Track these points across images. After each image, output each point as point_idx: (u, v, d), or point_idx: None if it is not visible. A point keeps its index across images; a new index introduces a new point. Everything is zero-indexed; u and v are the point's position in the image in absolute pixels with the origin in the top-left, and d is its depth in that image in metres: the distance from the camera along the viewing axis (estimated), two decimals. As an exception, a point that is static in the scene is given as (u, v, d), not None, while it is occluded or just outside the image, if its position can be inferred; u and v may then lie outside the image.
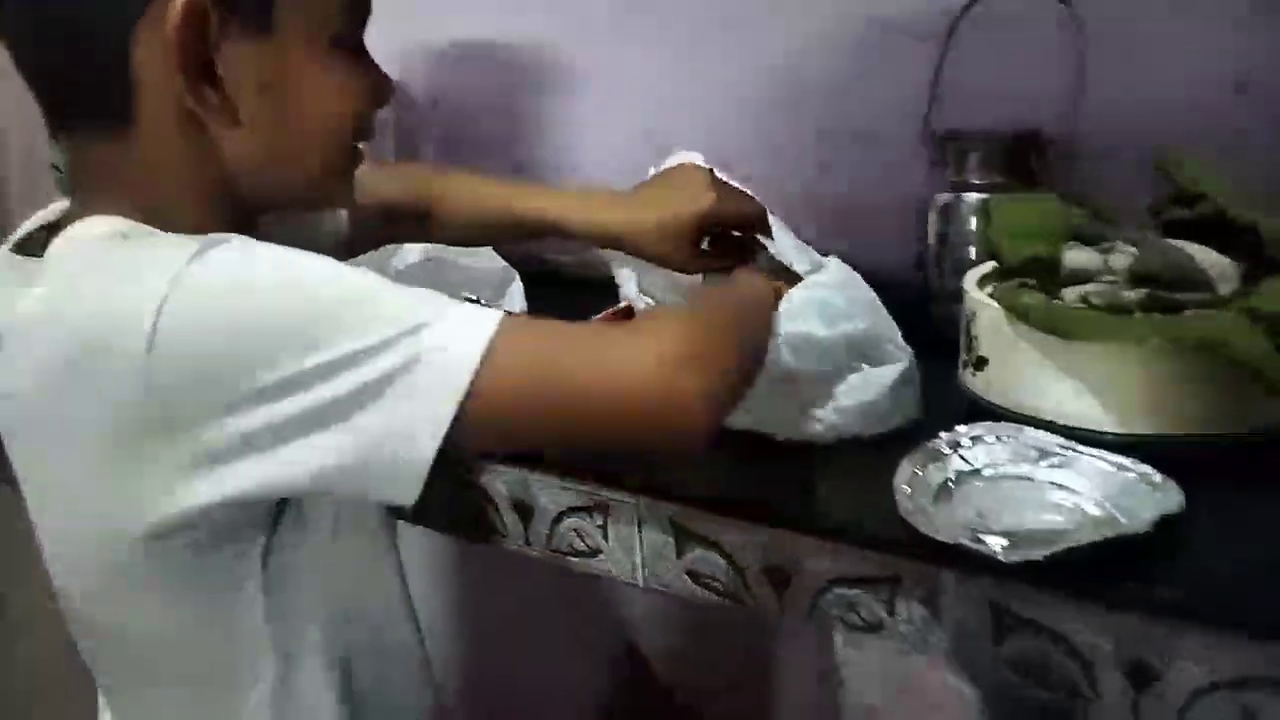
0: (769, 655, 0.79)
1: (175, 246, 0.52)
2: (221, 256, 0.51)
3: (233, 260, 0.52)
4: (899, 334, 0.81)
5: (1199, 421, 0.70)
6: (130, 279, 0.51)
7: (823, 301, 0.77)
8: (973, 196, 0.96)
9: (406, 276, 1.06)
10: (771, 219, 0.82)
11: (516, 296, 1.14)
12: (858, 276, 0.81)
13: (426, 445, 0.50)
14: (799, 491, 0.74)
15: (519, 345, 0.52)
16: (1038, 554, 0.60)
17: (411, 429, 0.50)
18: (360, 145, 0.64)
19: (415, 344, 0.50)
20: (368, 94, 0.62)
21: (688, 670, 1.45)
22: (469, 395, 0.50)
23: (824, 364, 0.77)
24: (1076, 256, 0.78)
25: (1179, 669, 0.61)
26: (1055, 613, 0.64)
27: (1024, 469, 0.73)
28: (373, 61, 0.63)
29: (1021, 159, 0.97)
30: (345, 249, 0.82)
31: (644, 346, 0.54)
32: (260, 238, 0.72)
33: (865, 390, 0.79)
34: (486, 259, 1.14)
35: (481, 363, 0.50)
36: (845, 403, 0.78)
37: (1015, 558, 0.60)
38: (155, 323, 0.49)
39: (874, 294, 0.81)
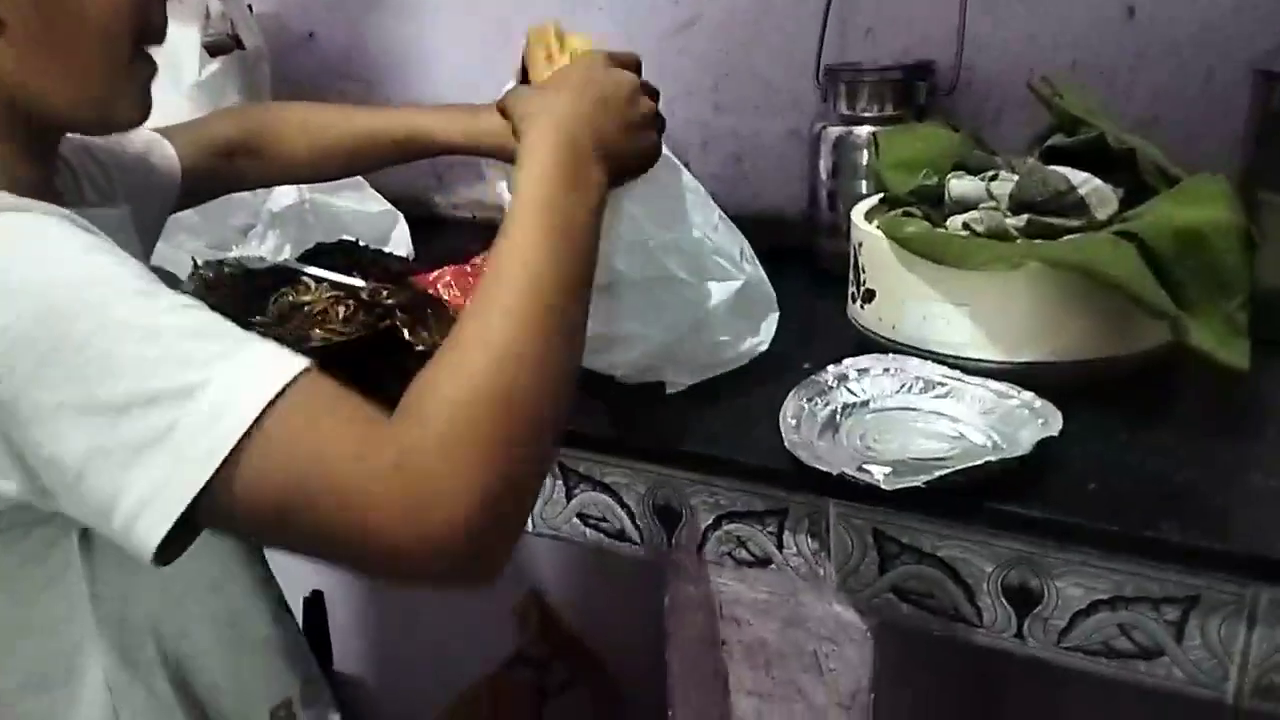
0: (663, 595, 0.78)
1: None
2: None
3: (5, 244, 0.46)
4: (744, 254, 0.76)
5: (1079, 347, 0.70)
6: None
7: (660, 200, 0.69)
8: (863, 130, 0.95)
9: (281, 220, 1.01)
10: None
11: (402, 239, 1.10)
12: (701, 189, 0.74)
13: (159, 522, 0.43)
14: (684, 428, 0.73)
15: (282, 441, 0.43)
16: (918, 480, 0.60)
17: (147, 502, 0.43)
18: (151, 54, 0.57)
19: (172, 410, 0.43)
20: None
21: (590, 614, 1.45)
22: (211, 487, 0.42)
23: (649, 268, 0.70)
24: (960, 185, 0.77)
25: (1057, 590, 0.62)
26: (936, 538, 0.65)
27: (910, 400, 0.73)
28: None
29: (912, 92, 0.96)
30: (180, 193, 0.76)
31: (406, 506, 0.42)
32: (83, 188, 0.65)
33: (696, 306, 0.72)
34: (367, 201, 1.09)
35: (232, 453, 0.42)
36: (677, 317, 0.72)
37: (896, 485, 0.60)
38: None
39: (717, 208, 0.75)
